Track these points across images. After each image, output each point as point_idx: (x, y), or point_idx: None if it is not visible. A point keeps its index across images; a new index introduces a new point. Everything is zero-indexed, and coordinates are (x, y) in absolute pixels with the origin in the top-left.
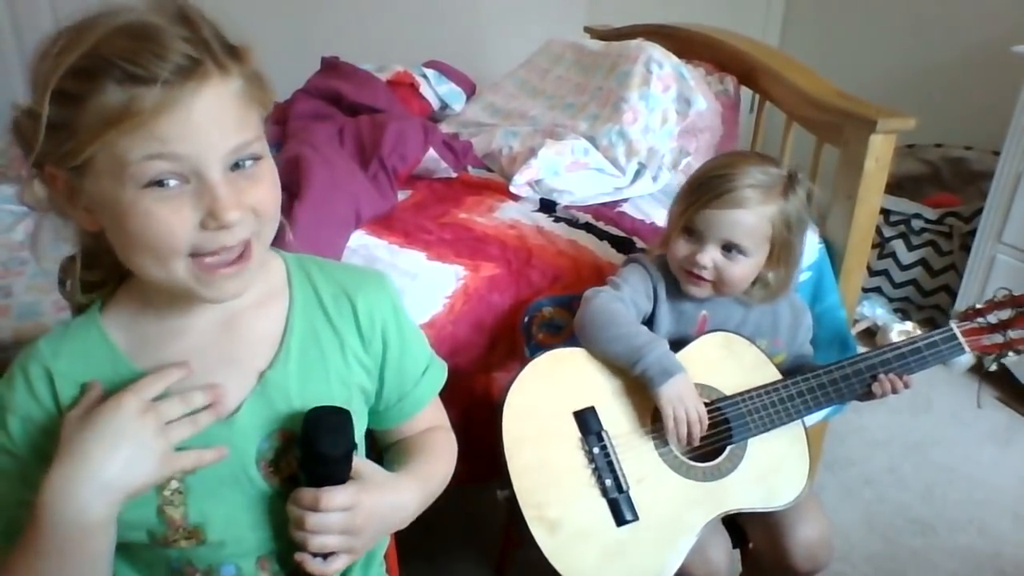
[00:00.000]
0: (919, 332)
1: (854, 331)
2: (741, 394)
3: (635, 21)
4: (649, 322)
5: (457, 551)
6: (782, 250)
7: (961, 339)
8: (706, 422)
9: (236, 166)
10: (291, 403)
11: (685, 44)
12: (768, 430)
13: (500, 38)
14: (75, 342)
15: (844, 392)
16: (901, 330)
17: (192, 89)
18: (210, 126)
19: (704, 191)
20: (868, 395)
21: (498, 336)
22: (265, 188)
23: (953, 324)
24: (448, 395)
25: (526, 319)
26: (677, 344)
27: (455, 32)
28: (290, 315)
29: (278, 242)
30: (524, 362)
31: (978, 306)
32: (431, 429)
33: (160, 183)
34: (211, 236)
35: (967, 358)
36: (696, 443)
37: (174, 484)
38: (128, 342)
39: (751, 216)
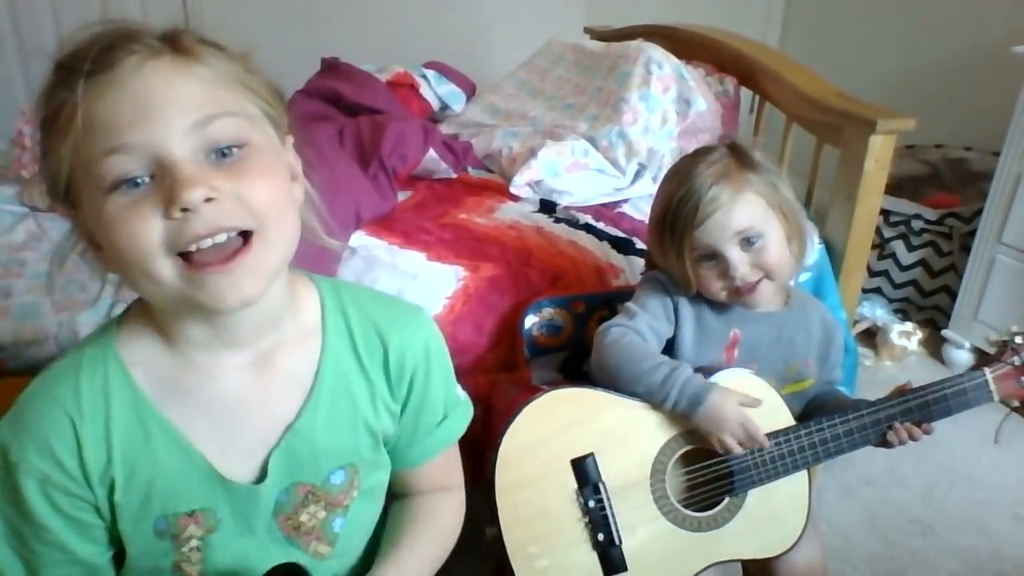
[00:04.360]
0: (919, 333)
1: (854, 332)
2: None
3: (635, 22)
4: (672, 343)
5: (456, 554)
6: (786, 210)
7: (993, 387)
8: (758, 432)
9: (221, 155)
10: (315, 454)
11: (685, 45)
12: (772, 481)
13: (500, 38)
14: (94, 380)
15: (858, 442)
16: (901, 331)
17: (132, 67)
18: (162, 105)
19: (679, 220)
20: (883, 443)
21: (498, 337)
22: (253, 179)
23: (987, 371)
24: None
25: (526, 320)
26: (702, 371)
27: (455, 32)
28: (322, 359)
29: (324, 268)
30: (522, 391)
31: (1018, 340)
32: (437, 494)
33: (128, 183)
34: (178, 225)
35: (967, 357)
36: (759, 445)
37: (194, 542)
38: (150, 382)
39: (736, 207)
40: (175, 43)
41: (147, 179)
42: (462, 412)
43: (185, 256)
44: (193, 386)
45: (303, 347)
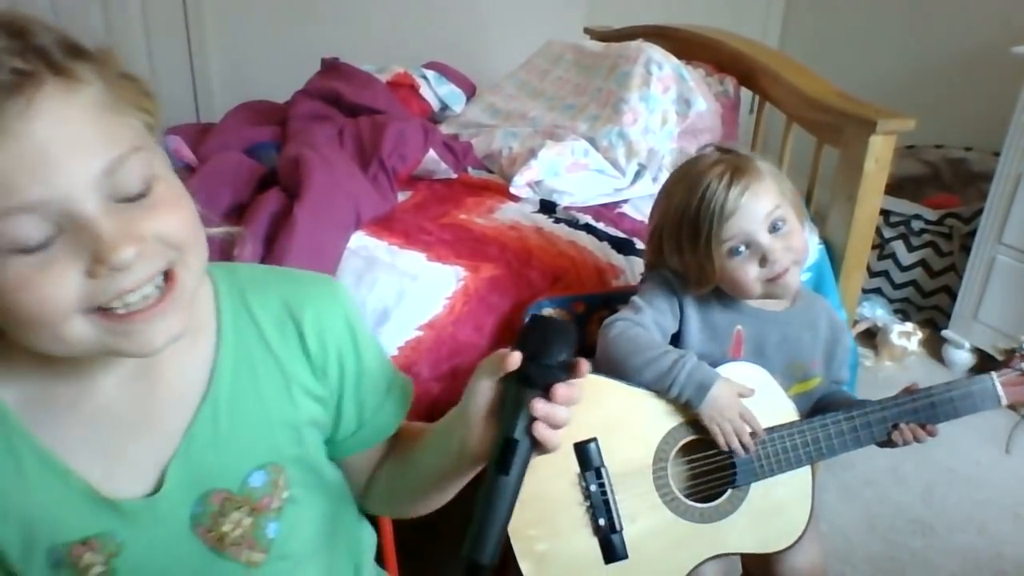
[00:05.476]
0: (919, 333)
1: (854, 332)
2: None
3: (635, 22)
4: (677, 341)
5: (456, 552)
6: (792, 197)
7: (1000, 391)
8: (757, 425)
9: (130, 198)
10: (222, 457)
11: (685, 45)
12: (774, 475)
13: (500, 39)
14: None
15: (862, 439)
16: (901, 331)
17: (20, 110)
18: (65, 151)
19: (703, 220)
20: (888, 443)
21: (498, 337)
22: (170, 213)
23: (994, 376)
24: (449, 396)
25: (526, 320)
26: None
27: (455, 33)
28: (218, 354)
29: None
30: None
31: None
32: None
33: (27, 246)
34: (104, 284)
35: (967, 357)
36: (752, 448)
37: (97, 569)
38: (24, 403)
39: (760, 192)
40: (45, 57)
41: (48, 235)
42: (402, 383)
43: (95, 310)
44: (71, 400)
45: (195, 345)
